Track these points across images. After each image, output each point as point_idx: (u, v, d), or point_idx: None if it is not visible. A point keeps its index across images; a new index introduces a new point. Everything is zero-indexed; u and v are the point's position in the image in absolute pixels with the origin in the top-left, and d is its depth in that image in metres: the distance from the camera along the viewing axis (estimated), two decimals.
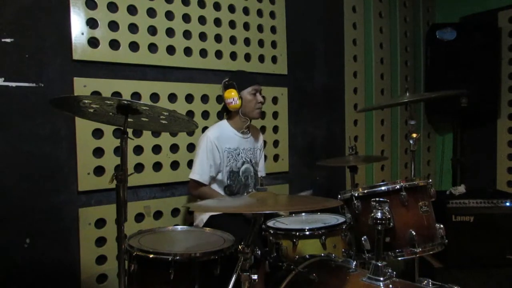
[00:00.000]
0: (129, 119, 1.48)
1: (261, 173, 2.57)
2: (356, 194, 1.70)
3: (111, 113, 1.52)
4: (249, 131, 2.44)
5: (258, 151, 2.52)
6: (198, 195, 2.31)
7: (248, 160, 2.42)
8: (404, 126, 3.86)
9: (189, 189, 2.36)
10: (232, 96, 2.27)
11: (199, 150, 2.29)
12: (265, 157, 2.98)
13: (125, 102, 1.42)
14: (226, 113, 2.44)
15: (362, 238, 1.65)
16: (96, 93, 2.26)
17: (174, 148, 2.57)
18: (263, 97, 2.40)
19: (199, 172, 2.25)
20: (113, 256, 2.31)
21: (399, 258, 1.60)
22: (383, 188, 1.67)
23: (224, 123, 2.40)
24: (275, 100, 3.02)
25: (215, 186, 2.34)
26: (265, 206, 1.39)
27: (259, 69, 2.89)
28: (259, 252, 1.45)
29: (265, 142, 2.97)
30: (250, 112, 2.34)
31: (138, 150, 2.43)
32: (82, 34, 2.21)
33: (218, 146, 2.28)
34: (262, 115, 2.46)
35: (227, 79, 2.34)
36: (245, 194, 2.29)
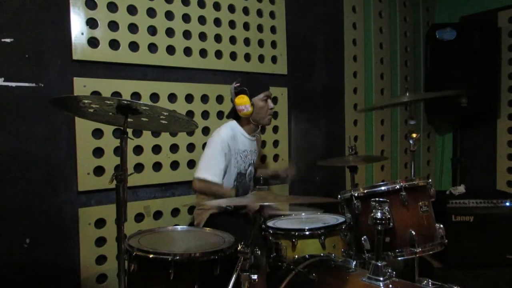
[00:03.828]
0: (129, 119, 1.48)
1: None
2: (356, 194, 1.69)
3: (111, 113, 1.52)
4: (255, 134, 2.43)
5: (258, 152, 2.52)
6: (209, 194, 2.22)
7: (253, 162, 2.42)
8: (404, 126, 3.86)
9: (196, 188, 2.22)
10: (244, 103, 2.22)
11: (214, 150, 2.19)
12: (266, 157, 3.00)
13: (125, 102, 1.42)
14: (234, 115, 2.35)
15: (362, 238, 1.65)
16: (96, 93, 2.26)
17: (174, 148, 2.57)
18: (274, 98, 2.36)
19: (214, 173, 2.14)
20: (113, 256, 2.31)
21: (399, 258, 1.60)
22: (383, 188, 1.67)
23: (235, 124, 2.33)
24: (275, 100, 3.02)
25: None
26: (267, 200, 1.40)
27: (259, 69, 2.89)
28: (259, 252, 1.45)
29: (265, 142, 2.98)
30: (261, 119, 2.31)
31: (138, 150, 2.43)
32: (82, 34, 2.21)
33: (231, 147, 2.23)
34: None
35: (238, 84, 2.28)
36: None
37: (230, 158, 2.25)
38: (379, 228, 1.43)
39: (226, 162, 2.21)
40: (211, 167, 2.16)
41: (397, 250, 1.61)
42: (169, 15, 2.53)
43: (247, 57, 2.87)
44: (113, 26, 2.32)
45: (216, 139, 2.22)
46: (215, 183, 2.15)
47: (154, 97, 2.48)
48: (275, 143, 3.05)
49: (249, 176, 2.39)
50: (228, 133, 2.25)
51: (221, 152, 2.18)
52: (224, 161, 2.19)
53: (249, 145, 2.37)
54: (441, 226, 1.68)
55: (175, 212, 2.59)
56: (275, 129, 3.05)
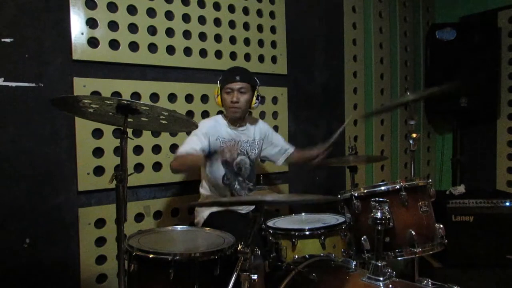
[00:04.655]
0: (129, 119, 1.48)
1: (290, 149, 2.58)
2: (356, 194, 1.70)
3: (110, 113, 1.52)
4: (245, 124, 2.43)
5: (259, 142, 2.48)
6: (181, 166, 2.19)
7: (245, 152, 2.41)
8: (404, 126, 3.86)
9: (171, 168, 2.19)
10: (216, 94, 2.32)
11: (190, 135, 2.26)
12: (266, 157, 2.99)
13: (125, 102, 1.42)
14: None
15: (362, 238, 1.65)
16: (96, 93, 2.26)
17: (174, 148, 2.57)
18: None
19: (185, 149, 2.16)
20: (113, 256, 2.31)
21: (399, 258, 1.61)
22: (383, 188, 1.67)
23: (219, 116, 2.42)
24: (275, 100, 3.02)
25: (213, 175, 2.33)
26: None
27: (259, 69, 2.89)
28: (259, 252, 1.45)
29: None
30: (226, 110, 2.35)
31: (138, 150, 2.43)
32: (82, 34, 2.21)
33: (210, 132, 2.26)
34: (243, 114, 2.34)
35: (220, 77, 2.36)
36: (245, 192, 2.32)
37: (210, 142, 2.25)
38: (379, 228, 1.43)
39: (204, 144, 2.21)
40: (184, 146, 2.19)
41: (397, 250, 1.61)
42: (169, 15, 2.53)
43: (247, 57, 2.87)
44: (113, 26, 2.32)
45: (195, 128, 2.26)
46: (180, 154, 2.15)
47: (154, 97, 2.48)
48: None
49: (237, 165, 2.39)
50: (208, 121, 2.34)
51: (197, 135, 2.22)
52: (198, 143, 2.19)
53: (235, 135, 2.37)
54: (441, 226, 1.68)
55: (175, 212, 2.59)
56: (275, 129, 3.03)
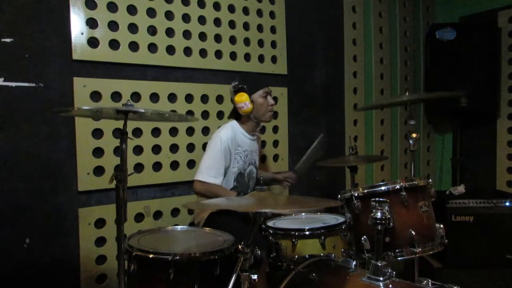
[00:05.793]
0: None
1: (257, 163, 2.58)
2: (356, 194, 1.70)
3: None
4: (257, 133, 2.42)
5: (259, 151, 2.51)
6: (210, 195, 2.18)
7: (253, 162, 2.40)
8: (404, 126, 3.86)
9: (196, 190, 2.22)
10: (243, 100, 2.22)
11: (213, 151, 2.19)
12: (265, 157, 3.00)
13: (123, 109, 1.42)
14: (235, 115, 2.36)
15: (362, 238, 1.65)
16: (96, 93, 2.26)
17: (174, 148, 2.57)
18: (274, 97, 2.37)
19: (215, 175, 2.16)
20: (113, 256, 2.31)
21: (399, 258, 1.61)
22: (383, 188, 1.67)
23: (235, 124, 2.33)
24: (275, 100, 3.01)
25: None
26: (265, 206, 1.39)
27: (259, 69, 2.89)
28: (259, 252, 1.45)
29: (265, 142, 2.98)
30: (262, 115, 2.30)
31: (138, 150, 2.43)
32: (82, 34, 2.21)
33: (230, 147, 2.23)
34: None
35: (236, 82, 2.28)
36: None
37: (230, 159, 2.25)
38: (379, 228, 1.43)
39: (227, 163, 2.22)
40: (211, 169, 2.17)
41: (397, 250, 1.61)
42: (169, 15, 2.53)
43: (247, 57, 2.87)
44: (113, 26, 2.32)
45: (216, 140, 2.22)
46: (215, 185, 2.17)
47: (154, 97, 2.48)
48: (275, 143, 3.05)
49: (248, 176, 2.38)
50: (228, 133, 2.25)
51: (221, 153, 2.18)
52: (224, 163, 2.20)
53: (250, 145, 2.36)
54: (441, 226, 1.67)
55: (175, 212, 2.59)
56: (275, 129, 3.05)
